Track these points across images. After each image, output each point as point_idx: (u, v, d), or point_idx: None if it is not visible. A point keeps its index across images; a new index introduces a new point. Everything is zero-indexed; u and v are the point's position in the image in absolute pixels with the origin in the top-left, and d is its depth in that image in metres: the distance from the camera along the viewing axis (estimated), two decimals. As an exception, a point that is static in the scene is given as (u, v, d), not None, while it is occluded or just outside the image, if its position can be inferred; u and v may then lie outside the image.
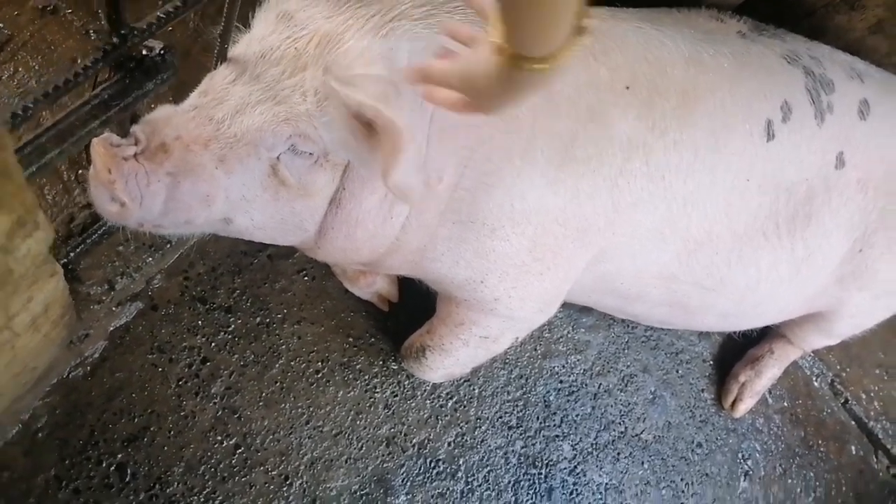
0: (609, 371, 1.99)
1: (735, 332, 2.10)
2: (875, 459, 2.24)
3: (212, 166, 1.16)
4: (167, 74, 0.85)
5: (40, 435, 1.45)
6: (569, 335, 1.98)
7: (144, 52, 0.83)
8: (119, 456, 1.49)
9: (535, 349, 1.93)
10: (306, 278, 1.76)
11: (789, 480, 2.09)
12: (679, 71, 1.40)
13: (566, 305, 1.71)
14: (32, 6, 1.92)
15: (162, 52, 0.84)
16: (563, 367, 1.94)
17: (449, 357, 1.62)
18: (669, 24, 1.49)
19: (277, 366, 1.65)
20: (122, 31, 0.77)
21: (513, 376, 1.88)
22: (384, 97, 1.05)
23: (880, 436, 2.26)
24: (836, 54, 1.70)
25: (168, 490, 1.49)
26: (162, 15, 0.81)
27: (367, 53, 1.15)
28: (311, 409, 1.65)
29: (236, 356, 1.63)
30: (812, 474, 2.13)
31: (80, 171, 1.59)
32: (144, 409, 1.53)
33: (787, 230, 1.56)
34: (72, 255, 1.36)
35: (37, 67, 1.86)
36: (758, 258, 1.57)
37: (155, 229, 1.21)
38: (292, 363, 1.67)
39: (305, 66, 1.15)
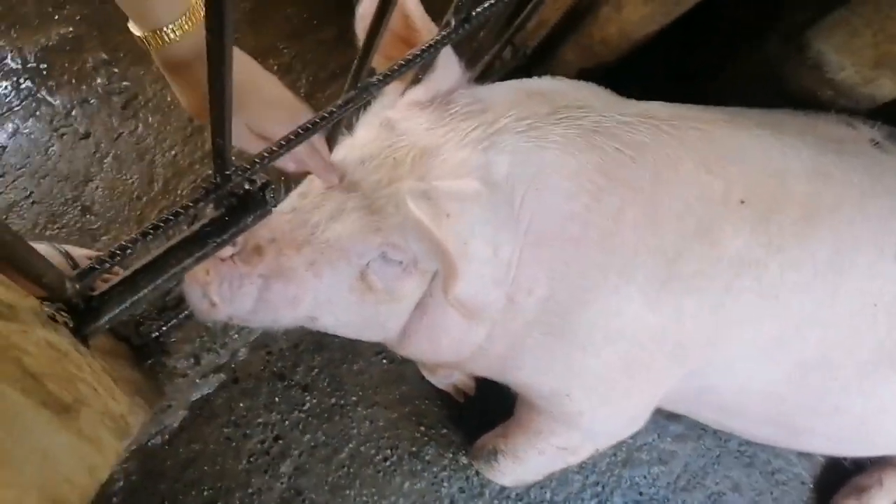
0: (695, 487, 1.84)
1: (844, 458, 1.91)
2: None
3: (303, 270, 1.16)
4: (266, 209, 0.84)
5: (115, 499, 1.48)
6: (654, 443, 1.85)
7: (246, 188, 0.82)
8: (186, 527, 1.50)
9: (616, 455, 1.82)
10: (384, 361, 1.73)
11: None
12: (801, 185, 1.29)
13: (655, 411, 1.60)
14: (157, 67, 2.03)
15: (262, 186, 0.82)
16: (645, 477, 1.81)
17: (522, 465, 1.54)
18: (793, 131, 1.38)
19: (347, 449, 1.63)
20: (227, 173, 0.76)
21: (588, 482, 1.78)
22: (438, 215, 1.00)
23: None
24: (982, 168, 1.52)
25: (229, 568, 1.49)
26: (266, 154, 0.80)
27: (464, 166, 1.12)
28: (375, 497, 1.61)
29: (308, 436, 1.61)
30: None
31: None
32: (215, 482, 1.54)
33: None
34: (164, 328, 1.39)
35: (155, 125, 1.95)
36: (881, 389, 1.41)
37: (242, 323, 1.22)
38: (362, 448, 1.64)
39: (402, 177, 1.14)
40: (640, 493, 1.80)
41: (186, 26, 0.89)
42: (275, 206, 0.84)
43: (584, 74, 1.64)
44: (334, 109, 0.83)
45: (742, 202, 1.26)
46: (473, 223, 1.03)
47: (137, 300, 0.77)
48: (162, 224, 0.76)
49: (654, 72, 1.74)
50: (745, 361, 1.37)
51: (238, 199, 0.82)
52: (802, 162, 1.32)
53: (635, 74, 1.68)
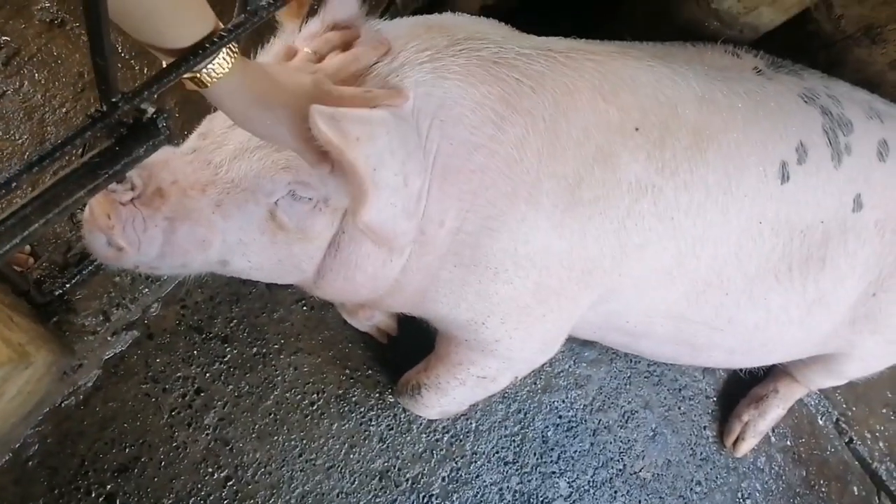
0: (610, 407, 1.96)
1: (741, 370, 2.07)
2: (877, 501, 2.20)
3: (209, 211, 1.14)
4: (160, 138, 0.82)
5: (31, 464, 1.44)
6: (570, 369, 1.95)
7: (136, 117, 0.80)
8: (109, 486, 1.48)
9: (535, 383, 1.90)
10: (305, 308, 1.73)
11: (789, 521, 2.07)
12: (691, 111, 1.36)
13: (569, 339, 1.68)
14: (40, 19, 1.90)
15: (154, 115, 0.81)
16: (563, 402, 1.91)
17: (445, 396, 1.60)
18: (682, 61, 1.45)
19: (272, 397, 1.64)
20: (113, 100, 0.74)
21: (511, 411, 1.86)
22: (351, 137, 0.99)
23: (884, 477, 2.22)
24: (855, 92, 1.65)
25: (157, 522, 1.48)
26: (153, 80, 0.78)
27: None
28: (304, 441, 1.63)
29: (231, 387, 1.61)
30: (812, 515, 2.10)
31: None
32: (136, 439, 1.52)
33: (800, 273, 1.52)
34: (67, 285, 1.35)
35: (43, 81, 1.84)
36: (768, 300, 1.53)
37: (151, 271, 1.20)
38: (287, 395, 1.65)
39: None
40: (560, 417, 1.90)
41: (227, 63, 0.84)
42: (168, 134, 0.82)
43: (486, 12, 1.65)
44: (224, 34, 0.82)
45: (637, 129, 1.32)
46: (382, 151, 1.03)
47: (28, 235, 0.75)
48: (48, 156, 0.74)
49: (553, 11, 1.78)
50: (648, 283, 1.45)
51: (128, 128, 0.80)
52: (692, 90, 1.38)
53: (536, 14, 1.71)
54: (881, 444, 2.26)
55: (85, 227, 1.09)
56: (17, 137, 1.76)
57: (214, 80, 0.82)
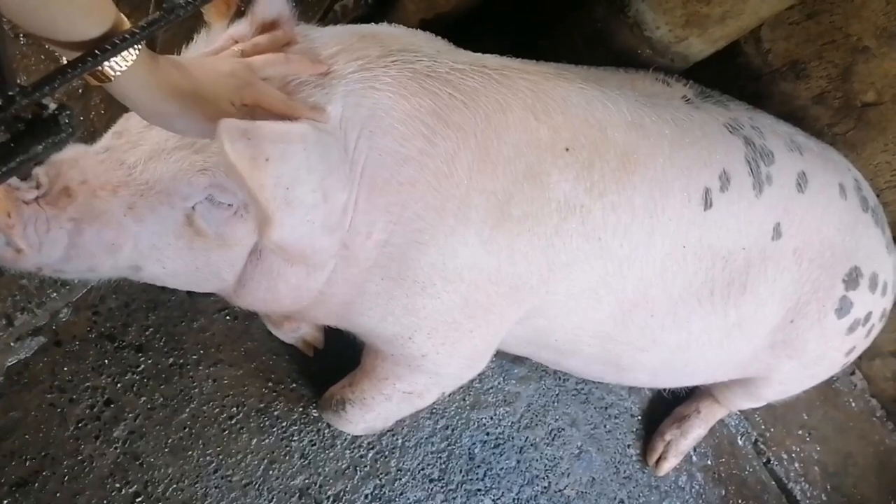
0: (537, 424, 1.97)
1: (664, 390, 2.11)
2: (792, 520, 2.28)
3: (120, 213, 1.09)
4: (61, 136, 0.77)
5: (-82, 477, 1.34)
6: (499, 386, 1.95)
7: (35, 113, 0.75)
8: (6, 501, 1.38)
9: (464, 399, 1.89)
10: (227, 318, 1.68)
11: (707, 540, 2.11)
12: (620, 134, 1.39)
13: (499, 355, 1.68)
14: None
15: (56, 111, 0.76)
16: (491, 418, 1.91)
17: (370, 412, 1.57)
18: (614, 86, 1.48)
19: (188, 410, 1.57)
20: (9, 93, 0.69)
21: (438, 427, 1.84)
22: (260, 157, 0.94)
23: (798, 497, 2.30)
24: (777, 125, 1.72)
25: (56, 541, 1.40)
26: (57, 74, 0.74)
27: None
28: (220, 457, 1.57)
29: (143, 398, 1.54)
30: (730, 534, 2.15)
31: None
32: (38, 451, 1.43)
33: (721, 297, 1.56)
34: (-35, 287, 1.26)
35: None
36: (691, 322, 1.57)
37: (55, 274, 1.14)
38: (204, 408, 1.59)
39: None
40: (487, 434, 1.89)
41: (130, 56, 0.79)
42: (71, 132, 0.78)
43: (424, 25, 1.65)
44: (136, 31, 0.78)
45: (567, 149, 1.33)
46: (298, 168, 0.99)
47: None
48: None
49: (488, 28, 1.79)
50: (576, 302, 1.46)
51: (26, 123, 0.75)
52: (621, 114, 1.41)
53: (472, 30, 1.72)
54: (797, 464, 2.34)
55: (-16, 227, 1.02)
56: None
57: (118, 73, 0.79)
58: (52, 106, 0.77)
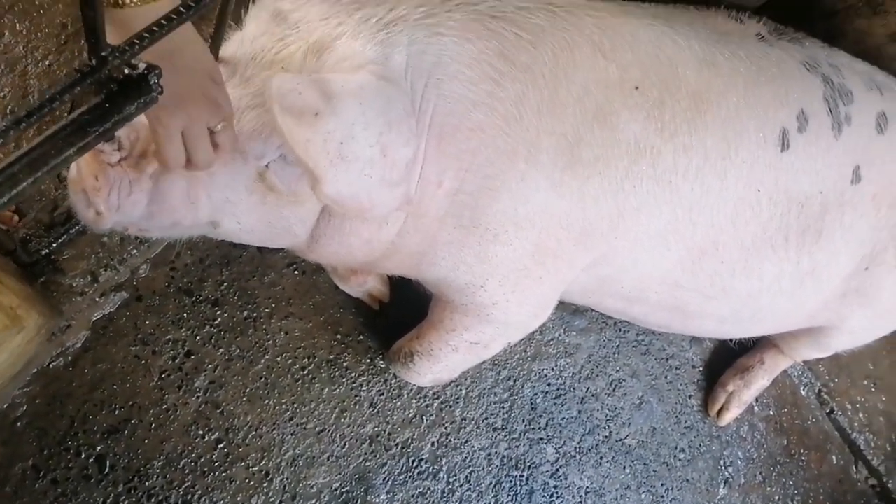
0: (598, 375, 1.98)
1: (730, 340, 2.09)
2: (854, 470, 2.26)
3: None
4: (151, 96, 0.79)
5: (19, 424, 1.43)
6: (560, 338, 1.96)
7: (127, 72, 0.77)
8: (99, 448, 1.48)
9: (525, 351, 1.91)
10: (296, 272, 1.72)
11: (768, 488, 2.11)
12: (692, 72, 1.34)
13: (559, 307, 1.68)
14: (20, -33, 1.83)
15: (146, 71, 0.78)
16: (552, 369, 1.92)
17: (438, 363, 1.60)
18: (684, 23, 1.42)
19: (263, 361, 1.63)
20: (103, 54, 0.71)
21: (501, 378, 1.87)
22: (304, 113, 0.96)
23: (862, 447, 2.27)
24: (855, 63, 1.64)
25: (147, 483, 1.48)
26: (146, 34, 0.75)
27: (357, 59, 1.09)
28: (295, 405, 1.64)
29: (221, 350, 1.60)
30: (791, 483, 2.14)
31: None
32: (126, 401, 1.51)
33: (796, 244, 1.51)
34: (54, 245, 1.32)
35: (24, 32, 1.78)
36: (763, 270, 1.53)
37: (141, 233, 1.18)
38: (278, 359, 1.65)
39: (298, 72, 1.10)
40: (549, 384, 1.91)
41: None
42: (161, 92, 0.80)
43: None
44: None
45: (636, 88, 1.30)
46: (353, 122, 0.99)
47: (17, 194, 0.72)
48: (35, 112, 0.71)
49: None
50: (644, 247, 1.44)
51: (118, 84, 0.77)
52: (693, 51, 1.36)
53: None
54: (861, 415, 2.30)
55: (71, 187, 1.06)
56: (-1, 91, 1.71)
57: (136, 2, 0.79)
58: (142, 65, 0.79)
